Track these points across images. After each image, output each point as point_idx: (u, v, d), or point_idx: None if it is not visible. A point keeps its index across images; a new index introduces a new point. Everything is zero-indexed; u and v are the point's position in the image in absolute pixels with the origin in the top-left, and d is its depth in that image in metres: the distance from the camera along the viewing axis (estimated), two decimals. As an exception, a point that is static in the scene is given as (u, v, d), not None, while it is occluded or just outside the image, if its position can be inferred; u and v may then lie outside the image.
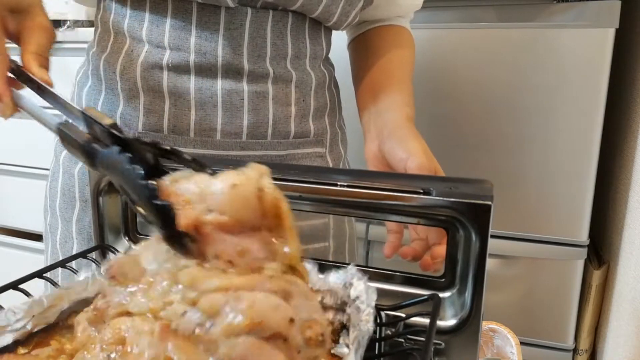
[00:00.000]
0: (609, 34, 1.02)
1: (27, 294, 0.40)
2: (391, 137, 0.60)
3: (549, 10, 1.05)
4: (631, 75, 1.14)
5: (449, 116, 1.15)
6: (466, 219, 0.38)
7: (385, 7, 0.72)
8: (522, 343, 0.70)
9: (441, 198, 0.38)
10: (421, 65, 1.14)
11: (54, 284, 0.42)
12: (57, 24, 1.53)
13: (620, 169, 1.16)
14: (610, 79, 1.04)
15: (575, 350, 1.21)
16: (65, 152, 0.69)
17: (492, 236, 0.38)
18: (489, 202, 0.37)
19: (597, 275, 1.17)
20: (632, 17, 1.15)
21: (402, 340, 0.39)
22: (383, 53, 0.71)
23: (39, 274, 0.42)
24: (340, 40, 0.77)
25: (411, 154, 0.56)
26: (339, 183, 0.42)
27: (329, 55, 0.73)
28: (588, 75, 1.05)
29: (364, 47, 0.74)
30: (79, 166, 0.67)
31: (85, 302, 0.38)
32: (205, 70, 0.60)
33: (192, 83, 0.60)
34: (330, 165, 0.71)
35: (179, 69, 0.60)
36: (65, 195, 0.69)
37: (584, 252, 1.12)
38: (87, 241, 0.67)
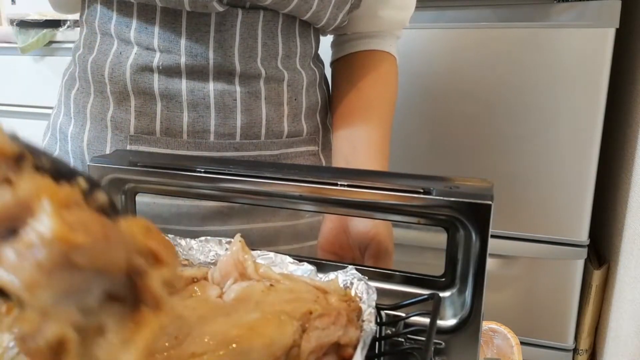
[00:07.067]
0: (609, 34, 1.02)
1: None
2: None
3: (549, 10, 1.05)
4: (631, 75, 1.14)
5: (449, 116, 1.15)
6: (466, 218, 0.38)
7: (367, 21, 0.71)
8: (522, 343, 0.70)
9: (441, 198, 0.38)
10: (421, 65, 1.14)
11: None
12: (57, 23, 1.53)
13: (621, 169, 1.16)
14: (610, 79, 1.04)
15: (575, 350, 1.21)
16: (55, 154, 0.68)
17: (492, 236, 0.38)
18: (489, 202, 0.37)
19: (597, 275, 1.17)
20: (632, 17, 1.15)
21: (402, 340, 0.39)
22: (363, 86, 0.69)
23: None
24: (328, 38, 0.76)
25: (377, 232, 0.55)
26: (339, 183, 0.42)
27: (319, 53, 0.72)
28: (588, 75, 1.05)
29: (346, 76, 0.72)
30: None
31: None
32: (197, 72, 0.59)
33: (183, 85, 0.60)
34: (324, 163, 0.71)
35: (170, 71, 0.59)
36: None
37: (584, 252, 1.12)
38: None
